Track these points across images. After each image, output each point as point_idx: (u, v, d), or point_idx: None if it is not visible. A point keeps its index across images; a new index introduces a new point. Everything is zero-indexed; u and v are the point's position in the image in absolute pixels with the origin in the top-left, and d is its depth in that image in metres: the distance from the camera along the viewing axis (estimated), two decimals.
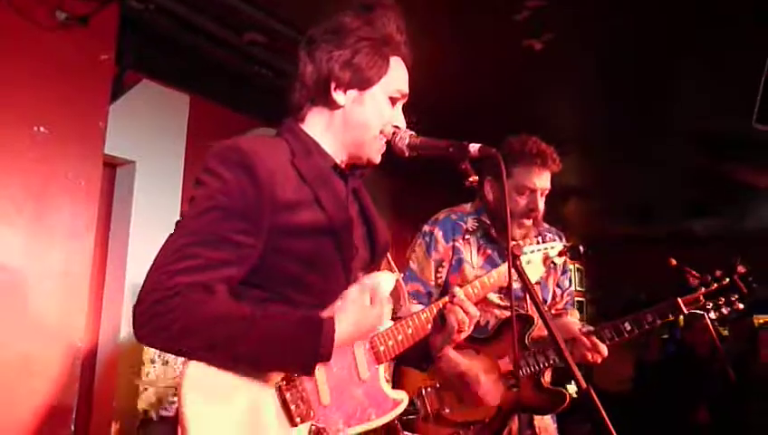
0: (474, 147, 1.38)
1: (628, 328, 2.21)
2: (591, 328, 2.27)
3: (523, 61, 4.02)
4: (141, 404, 3.08)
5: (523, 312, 2.32)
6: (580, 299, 10.07)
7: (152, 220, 3.49)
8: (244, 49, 3.74)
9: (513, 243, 1.88)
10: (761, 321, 10.33)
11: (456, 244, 2.37)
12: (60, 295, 2.82)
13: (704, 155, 4.47)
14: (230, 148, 1.33)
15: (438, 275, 2.37)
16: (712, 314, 2.23)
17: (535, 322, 2.27)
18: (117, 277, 3.45)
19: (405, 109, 1.56)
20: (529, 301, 2.35)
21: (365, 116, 1.48)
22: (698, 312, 2.27)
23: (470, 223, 2.42)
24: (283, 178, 1.34)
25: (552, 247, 1.92)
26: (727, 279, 2.19)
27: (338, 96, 1.46)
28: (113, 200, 3.59)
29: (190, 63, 3.83)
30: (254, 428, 1.28)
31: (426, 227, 2.43)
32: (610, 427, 1.16)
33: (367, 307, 1.39)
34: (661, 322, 2.21)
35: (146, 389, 3.08)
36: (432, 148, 1.45)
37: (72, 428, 2.84)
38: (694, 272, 3.37)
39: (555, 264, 2.27)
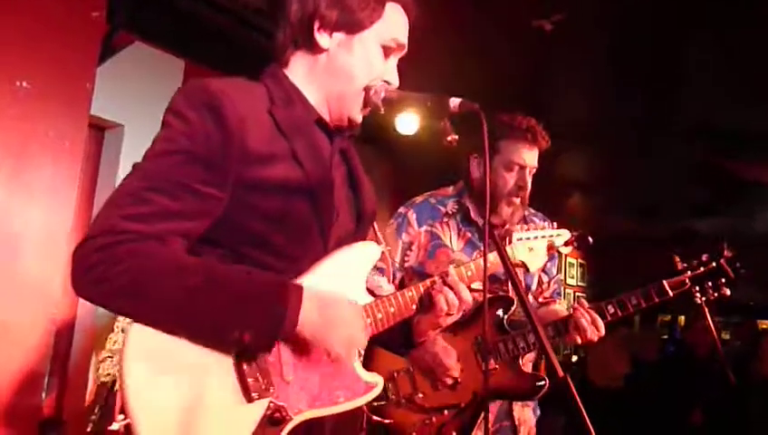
0: (454, 101, 1.25)
1: (611, 310, 2.11)
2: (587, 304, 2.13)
3: (532, 42, 3.88)
4: (102, 372, 3.00)
5: (502, 293, 2.21)
6: (582, 295, 9.96)
7: None
8: (241, 14, 3.61)
9: (513, 228, 1.78)
10: (764, 326, 10.24)
11: (434, 229, 2.28)
12: (38, 256, 2.71)
13: (713, 149, 4.33)
14: (198, 88, 1.20)
15: (406, 257, 2.27)
16: (699, 300, 2.15)
17: (515, 304, 2.16)
18: None
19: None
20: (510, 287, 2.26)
21: (351, 64, 1.33)
22: (693, 300, 2.17)
23: (450, 206, 2.32)
24: (255, 126, 1.21)
25: (558, 235, 1.78)
26: (714, 263, 2.11)
27: (322, 38, 1.32)
28: (100, 163, 3.48)
29: (186, 27, 3.70)
30: (202, 403, 1.14)
31: (401, 209, 2.35)
32: (586, 419, 1.05)
33: (345, 303, 1.24)
34: (646, 304, 2.12)
35: (110, 357, 2.98)
36: (410, 102, 1.32)
37: (43, 395, 2.76)
38: (698, 270, 3.28)
39: (560, 253, 2.17)
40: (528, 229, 1.76)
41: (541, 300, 2.44)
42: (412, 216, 2.30)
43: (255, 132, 1.20)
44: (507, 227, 1.25)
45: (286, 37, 1.35)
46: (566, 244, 1.79)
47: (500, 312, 2.15)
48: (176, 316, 1.12)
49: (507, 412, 2.23)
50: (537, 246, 1.74)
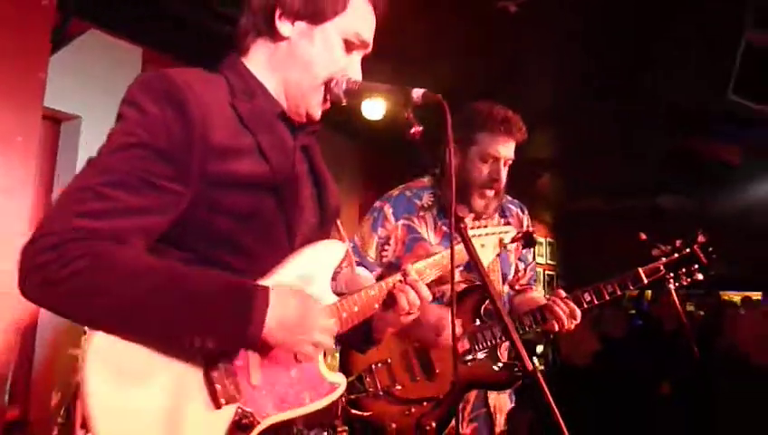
0: (417, 92, 1.22)
1: (588, 298, 2.13)
2: (563, 293, 2.16)
3: (497, 24, 3.85)
4: (77, 375, 2.91)
5: (478, 283, 2.19)
6: (551, 273, 10.12)
7: None
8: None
9: (467, 221, 1.77)
10: (726, 298, 10.55)
11: (411, 223, 2.24)
12: None
13: (679, 129, 4.41)
14: (157, 78, 1.13)
15: (384, 252, 2.23)
16: (672, 285, 2.18)
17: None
18: None
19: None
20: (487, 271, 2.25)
21: (310, 54, 1.28)
22: (664, 283, 2.22)
23: (425, 198, 2.27)
24: (218, 119, 1.15)
25: (507, 232, 1.82)
26: (688, 249, 2.14)
27: (283, 25, 1.27)
28: (57, 157, 3.36)
29: (143, 13, 3.58)
30: (170, 411, 1.09)
31: (377, 203, 2.30)
32: (557, 413, 1.04)
33: (309, 304, 1.19)
34: (621, 292, 2.15)
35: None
36: (372, 93, 1.28)
37: (6, 397, 2.67)
38: (662, 247, 3.35)
39: (508, 250, 2.19)
40: (480, 227, 1.77)
41: (517, 287, 2.44)
42: (389, 210, 2.26)
43: (219, 126, 1.15)
44: (463, 224, 1.24)
45: (248, 24, 1.30)
46: (513, 240, 1.83)
47: (477, 301, 2.15)
48: (132, 320, 1.06)
49: (483, 400, 2.23)
50: (488, 241, 1.78)
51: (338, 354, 2.15)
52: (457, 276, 2.23)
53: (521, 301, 2.36)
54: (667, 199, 8.01)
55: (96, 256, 1.02)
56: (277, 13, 1.27)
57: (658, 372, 5.33)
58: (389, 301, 1.41)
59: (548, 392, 1.09)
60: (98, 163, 1.09)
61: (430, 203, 2.27)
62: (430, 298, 1.44)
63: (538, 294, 2.43)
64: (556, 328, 2.08)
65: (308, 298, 1.20)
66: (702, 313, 6.58)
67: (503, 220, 1.84)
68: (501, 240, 1.79)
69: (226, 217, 1.16)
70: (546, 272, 9.87)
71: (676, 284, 2.16)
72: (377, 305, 1.40)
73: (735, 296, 10.63)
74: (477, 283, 2.20)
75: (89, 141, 3.33)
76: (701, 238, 2.16)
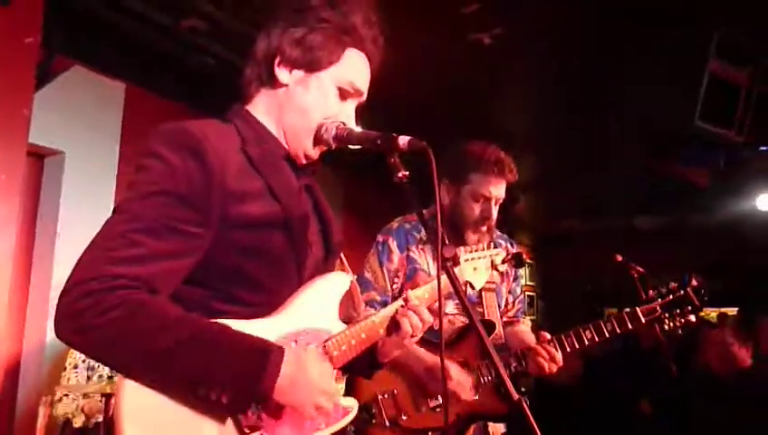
0: (403, 139, 1.29)
1: (589, 336, 2.23)
2: (548, 336, 2.25)
3: (471, 56, 3.97)
4: (59, 411, 2.89)
5: (480, 318, 2.29)
6: (531, 293, 10.20)
7: (82, 216, 3.27)
8: (183, 36, 3.56)
9: (457, 250, 1.84)
10: (702, 314, 10.70)
11: (411, 253, 2.33)
12: None
13: (648, 153, 4.55)
14: (176, 130, 1.21)
15: (395, 284, 2.31)
16: (666, 326, 2.31)
17: (496, 328, 2.25)
18: (43, 277, 3.24)
19: None
20: (485, 306, 2.33)
21: (306, 101, 1.37)
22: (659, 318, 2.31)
23: (423, 232, 2.35)
24: (233, 165, 1.24)
25: (497, 254, 1.92)
26: (682, 291, 2.25)
27: (281, 73, 1.36)
28: (40, 193, 3.37)
29: (126, 50, 3.63)
30: None
31: (379, 237, 2.38)
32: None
33: (319, 360, 1.28)
34: (621, 331, 2.25)
35: (66, 395, 2.88)
36: (360, 140, 1.36)
37: None
38: (638, 267, 3.45)
39: (500, 271, 2.26)
40: (471, 251, 1.84)
41: (505, 319, 2.51)
42: (393, 243, 2.33)
43: (233, 172, 1.23)
44: (455, 252, 1.32)
45: (252, 74, 1.40)
46: (503, 261, 1.93)
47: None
48: (157, 371, 1.14)
49: (483, 428, 2.29)
50: (480, 265, 1.87)
51: (343, 384, 2.20)
52: (451, 306, 2.31)
53: (509, 333, 2.44)
54: (643, 220, 8.18)
55: (129, 307, 1.09)
56: (276, 60, 1.36)
57: (638, 391, 5.40)
58: (393, 326, 1.50)
59: (533, 422, 1.14)
60: (127, 210, 1.16)
61: (427, 238, 2.33)
62: (431, 320, 1.51)
63: (526, 327, 2.52)
64: (537, 372, 2.16)
65: (315, 361, 1.27)
66: (680, 332, 6.69)
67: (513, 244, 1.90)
68: (492, 262, 1.88)
69: (243, 255, 1.25)
70: (526, 293, 9.96)
71: (671, 324, 2.27)
72: (382, 331, 1.49)
73: (712, 312, 10.82)
74: (480, 317, 2.28)
75: (72, 177, 3.34)
76: (694, 282, 2.27)
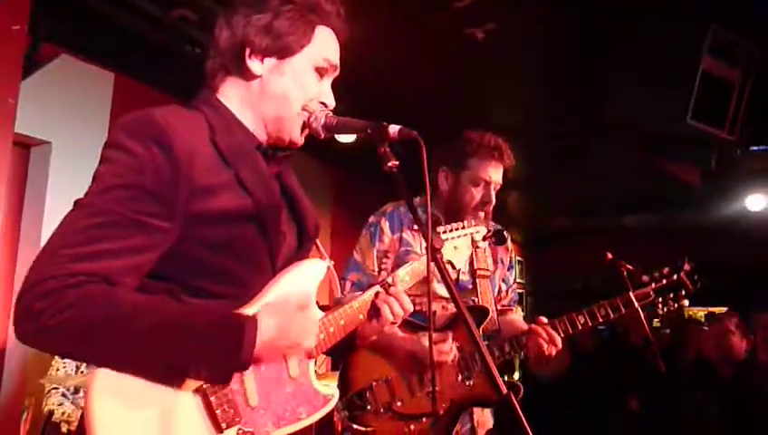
0: (393, 129, 1.27)
1: (582, 321, 2.25)
2: (545, 319, 2.27)
3: (465, 50, 3.96)
4: (48, 405, 2.85)
5: (473, 304, 2.29)
6: (521, 291, 10.23)
7: (69, 206, 3.21)
8: (173, 25, 3.52)
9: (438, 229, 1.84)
10: (690, 313, 10.78)
11: (404, 235, 2.33)
12: None
13: (640, 151, 4.57)
14: (142, 120, 1.17)
15: (383, 265, 2.31)
16: (660, 310, 2.31)
17: (489, 313, 2.24)
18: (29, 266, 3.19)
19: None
20: (480, 292, 2.33)
21: (284, 87, 1.33)
22: (654, 306, 2.33)
23: (419, 215, 2.36)
24: (201, 157, 1.20)
25: (478, 231, 1.90)
26: (675, 276, 2.28)
27: (253, 64, 1.32)
28: (26, 183, 3.32)
29: (115, 39, 3.58)
30: None
31: (372, 219, 2.38)
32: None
33: (295, 312, 1.25)
34: (614, 316, 2.26)
35: (55, 388, 2.84)
36: (349, 129, 1.35)
37: None
38: (628, 265, 3.46)
39: (479, 247, 2.27)
40: (451, 230, 1.84)
41: (499, 308, 2.50)
42: (385, 223, 2.34)
43: (201, 163, 1.19)
44: (439, 254, 1.31)
45: (215, 65, 1.35)
46: (484, 238, 1.92)
47: (475, 322, 2.20)
48: (129, 359, 1.11)
49: (469, 415, 2.29)
50: (460, 243, 1.85)
51: (338, 373, 2.21)
52: (442, 290, 2.26)
53: (502, 322, 2.43)
54: (632, 218, 8.21)
55: (91, 301, 1.05)
56: (247, 52, 1.31)
57: (626, 387, 5.42)
58: (374, 312, 1.48)
59: (522, 416, 1.13)
60: (88, 205, 1.12)
61: (424, 220, 2.33)
62: (412, 309, 1.50)
63: (518, 316, 2.52)
64: (534, 355, 2.18)
65: (288, 309, 1.25)
66: (667, 330, 6.73)
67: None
68: (472, 238, 1.87)
69: (211, 249, 1.21)
70: (516, 290, 9.98)
71: (665, 308, 2.30)
72: (362, 317, 1.47)
73: (700, 311, 10.89)
74: (471, 304, 2.30)
75: (59, 167, 3.29)
76: (687, 266, 2.30)
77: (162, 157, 1.14)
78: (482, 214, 2.29)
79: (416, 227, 2.32)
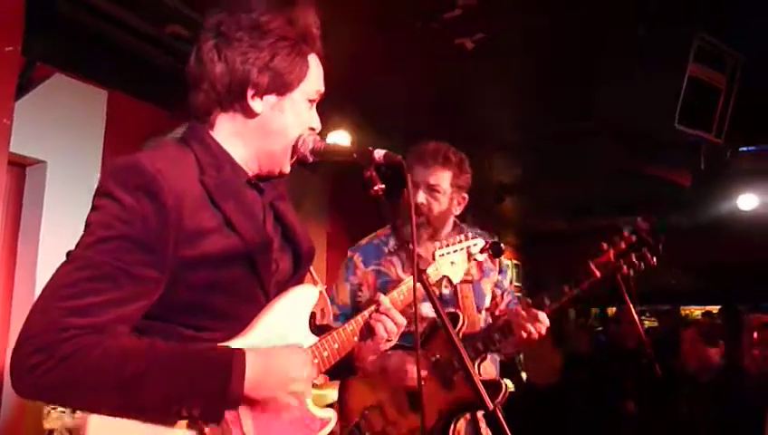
0: (378, 153, 1.32)
1: (548, 302, 2.20)
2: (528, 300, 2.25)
3: (456, 60, 4.01)
4: (48, 423, 2.85)
5: (451, 310, 2.30)
6: (518, 294, 10.26)
7: (65, 225, 3.23)
8: (166, 42, 3.55)
9: (433, 246, 1.87)
10: (687, 312, 10.82)
11: (380, 268, 2.38)
12: None
13: (631, 156, 4.62)
14: (130, 168, 1.18)
15: (358, 297, 2.37)
16: (628, 272, 2.20)
17: (461, 318, 2.25)
18: (26, 288, 3.21)
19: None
20: (461, 298, 2.34)
21: (285, 123, 1.36)
22: (618, 276, 2.24)
23: (391, 243, 2.42)
24: (191, 201, 1.21)
25: (475, 244, 1.91)
26: (634, 236, 2.20)
27: (255, 104, 1.32)
28: (22, 202, 3.34)
29: (108, 57, 3.61)
30: None
31: (348, 252, 2.45)
32: None
33: (286, 351, 1.28)
34: (578, 289, 2.20)
35: (54, 408, 2.84)
36: (336, 154, 1.40)
37: None
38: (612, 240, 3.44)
39: (478, 260, 2.28)
40: (446, 245, 1.86)
41: (497, 313, 2.51)
42: (358, 259, 2.41)
43: (190, 207, 1.21)
44: (425, 274, 1.34)
45: (210, 100, 1.33)
46: (481, 251, 1.92)
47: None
48: (123, 405, 1.13)
49: (476, 432, 2.31)
50: (457, 258, 1.86)
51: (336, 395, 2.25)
52: (426, 308, 2.31)
53: (513, 313, 2.44)
54: (627, 220, 8.25)
55: (83, 354, 1.08)
56: (250, 93, 1.31)
57: (623, 391, 5.45)
58: (367, 332, 1.51)
59: (503, 423, 1.16)
60: (78, 257, 1.14)
61: (396, 247, 2.39)
62: (404, 323, 1.53)
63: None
64: (524, 336, 2.16)
65: (281, 353, 1.28)
66: (663, 328, 6.78)
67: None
68: (469, 252, 1.88)
69: (202, 290, 1.24)
70: (513, 292, 10.02)
71: (631, 271, 2.19)
72: (356, 338, 1.50)
73: (697, 310, 10.94)
74: (448, 310, 2.29)
75: (55, 185, 3.32)
76: (643, 225, 2.22)
77: (151, 206, 1.15)
78: (420, 218, 2.29)
79: (389, 257, 2.37)
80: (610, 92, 3.95)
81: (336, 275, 2.46)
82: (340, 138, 4.77)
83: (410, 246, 1.32)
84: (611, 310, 8.84)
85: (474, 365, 2.22)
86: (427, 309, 2.30)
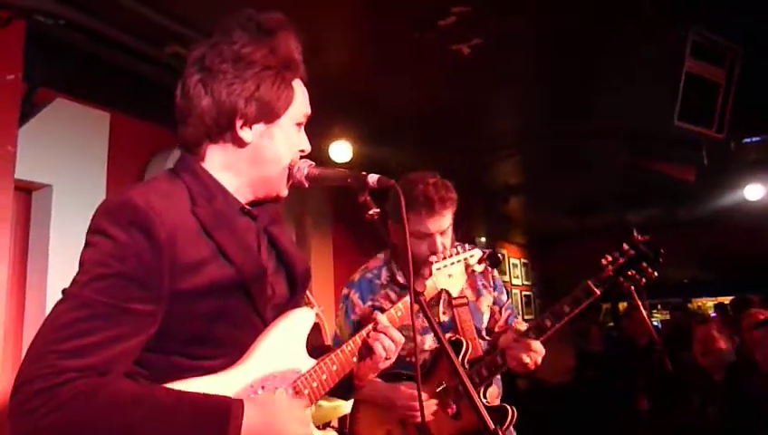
0: (372, 178, 1.33)
1: (549, 324, 2.15)
2: (522, 329, 2.21)
3: (455, 66, 4.02)
4: None
5: (450, 336, 2.29)
6: (528, 293, 10.24)
7: (73, 246, 3.25)
8: (166, 61, 3.60)
9: (430, 259, 1.86)
10: (699, 304, 10.74)
11: (376, 303, 2.34)
12: None
13: (633, 154, 4.62)
14: (122, 205, 1.19)
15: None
16: (630, 288, 2.18)
17: (465, 344, 2.25)
18: (36, 310, 3.25)
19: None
20: (460, 321, 2.33)
21: (276, 151, 1.38)
22: (622, 289, 2.20)
23: (384, 276, 2.39)
24: (184, 234, 1.22)
25: (472, 256, 1.89)
26: (633, 250, 2.14)
27: (245, 133, 1.34)
28: (30, 227, 3.38)
29: (109, 79, 3.66)
30: None
31: (344, 290, 2.42)
32: None
33: (285, 405, 1.28)
34: (579, 309, 2.14)
35: None
36: (331, 179, 1.41)
37: None
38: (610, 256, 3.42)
39: (477, 271, 2.26)
40: (443, 259, 1.85)
41: (497, 329, 2.49)
42: (355, 295, 2.37)
43: (184, 239, 1.22)
44: (422, 296, 1.34)
45: (198, 133, 1.35)
46: (479, 262, 1.89)
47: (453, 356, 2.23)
48: None
49: None
50: (454, 270, 1.85)
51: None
52: (432, 342, 2.31)
53: (505, 341, 2.44)
54: (632, 214, 8.24)
55: (82, 398, 1.08)
56: (238, 124, 1.33)
57: (635, 388, 5.42)
58: (366, 351, 1.51)
59: None
60: (74, 296, 1.15)
61: (388, 280, 2.38)
62: (402, 341, 1.54)
63: (521, 326, 2.49)
64: (518, 367, 2.14)
65: (281, 409, 1.27)
66: (674, 323, 6.74)
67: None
68: (467, 264, 1.86)
69: (198, 321, 1.25)
70: (523, 293, 10.00)
71: (632, 286, 2.15)
72: (355, 359, 1.50)
73: (709, 302, 10.85)
74: (450, 337, 2.29)
75: (61, 209, 3.35)
76: (640, 237, 2.16)
77: (144, 242, 1.17)
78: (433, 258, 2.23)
79: (383, 291, 2.34)
80: (610, 93, 3.95)
81: (337, 316, 2.43)
82: (342, 149, 4.79)
83: (409, 263, 1.32)
84: (623, 305, 8.79)
85: (480, 392, 2.21)
86: (430, 341, 2.31)
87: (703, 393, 3.99)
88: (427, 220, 2.22)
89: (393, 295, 2.34)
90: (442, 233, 2.27)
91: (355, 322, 2.33)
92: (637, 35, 3.59)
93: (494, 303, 2.51)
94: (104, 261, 1.16)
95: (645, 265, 2.12)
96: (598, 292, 2.12)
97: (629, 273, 2.13)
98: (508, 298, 2.59)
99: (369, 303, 2.33)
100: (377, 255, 2.47)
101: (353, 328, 2.30)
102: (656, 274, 2.14)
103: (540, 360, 2.15)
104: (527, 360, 2.11)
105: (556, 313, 2.15)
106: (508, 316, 2.53)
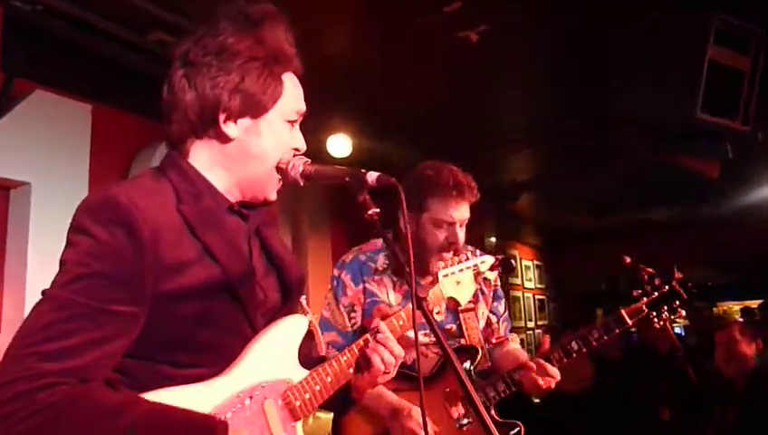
0: (371, 176, 1.31)
1: (576, 347, 2.25)
2: (547, 345, 2.30)
3: (462, 54, 4.00)
4: None
5: (464, 343, 2.29)
6: (541, 297, 10.21)
7: (52, 247, 3.24)
8: (151, 49, 3.58)
9: (437, 266, 1.85)
10: (724, 309, 10.68)
11: (368, 286, 2.32)
12: None
13: (653, 150, 4.59)
14: (104, 202, 1.19)
15: (352, 319, 2.31)
16: (656, 324, 2.31)
17: (480, 352, 2.25)
18: (14, 313, 3.25)
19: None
20: (466, 328, 2.33)
21: (263, 147, 1.37)
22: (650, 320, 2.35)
23: (381, 261, 2.36)
24: (168, 233, 1.22)
25: (483, 262, 1.88)
26: (667, 287, 2.30)
27: (229, 128, 1.34)
28: (7, 225, 3.38)
29: (91, 68, 3.65)
30: None
31: (335, 271, 2.39)
32: None
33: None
34: (608, 337, 2.27)
35: None
36: (328, 177, 1.39)
37: None
38: (648, 268, 3.47)
39: (488, 279, 2.26)
40: (452, 265, 1.84)
41: (494, 341, 2.51)
42: (346, 277, 2.34)
43: (168, 239, 1.22)
44: (425, 302, 1.32)
45: (183, 129, 1.36)
46: (491, 268, 1.91)
47: (467, 363, 2.22)
48: None
49: None
50: (463, 277, 1.83)
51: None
52: (420, 336, 2.29)
53: (500, 356, 2.44)
54: (653, 213, 8.21)
55: (60, 406, 1.07)
56: (221, 118, 1.33)
57: (656, 397, 5.41)
58: (364, 363, 1.49)
59: None
60: (53, 298, 1.15)
61: (385, 266, 2.35)
62: (403, 355, 1.51)
63: (516, 345, 2.51)
64: (533, 389, 2.19)
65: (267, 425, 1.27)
66: (696, 330, 6.72)
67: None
68: (477, 271, 1.85)
69: (184, 324, 1.24)
70: (536, 296, 9.97)
71: (660, 322, 2.33)
72: (351, 370, 1.48)
73: (735, 306, 10.79)
74: (458, 344, 2.30)
75: (40, 207, 3.34)
76: (678, 275, 2.32)
77: (126, 240, 1.16)
78: (448, 254, 2.22)
79: (377, 276, 2.32)
80: (627, 83, 3.92)
81: (326, 298, 2.40)
82: (341, 142, 4.78)
83: (408, 268, 1.30)
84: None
85: (491, 406, 2.23)
86: (422, 337, 2.27)
87: (724, 402, 3.98)
88: (454, 206, 2.23)
89: (389, 283, 2.32)
90: (461, 224, 2.27)
91: (347, 305, 2.30)
92: (656, 21, 3.56)
93: (491, 312, 2.52)
94: (85, 261, 1.16)
95: (677, 303, 2.29)
96: (630, 322, 2.26)
97: (661, 308, 2.31)
98: (505, 311, 2.60)
99: (362, 285, 2.31)
100: (374, 240, 2.44)
101: (346, 312, 2.30)
102: (684, 313, 2.33)
103: (554, 385, 2.20)
104: (541, 383, 2.17)
105: (585, 339, 2.25)
106: (505, 329, 2.57)
